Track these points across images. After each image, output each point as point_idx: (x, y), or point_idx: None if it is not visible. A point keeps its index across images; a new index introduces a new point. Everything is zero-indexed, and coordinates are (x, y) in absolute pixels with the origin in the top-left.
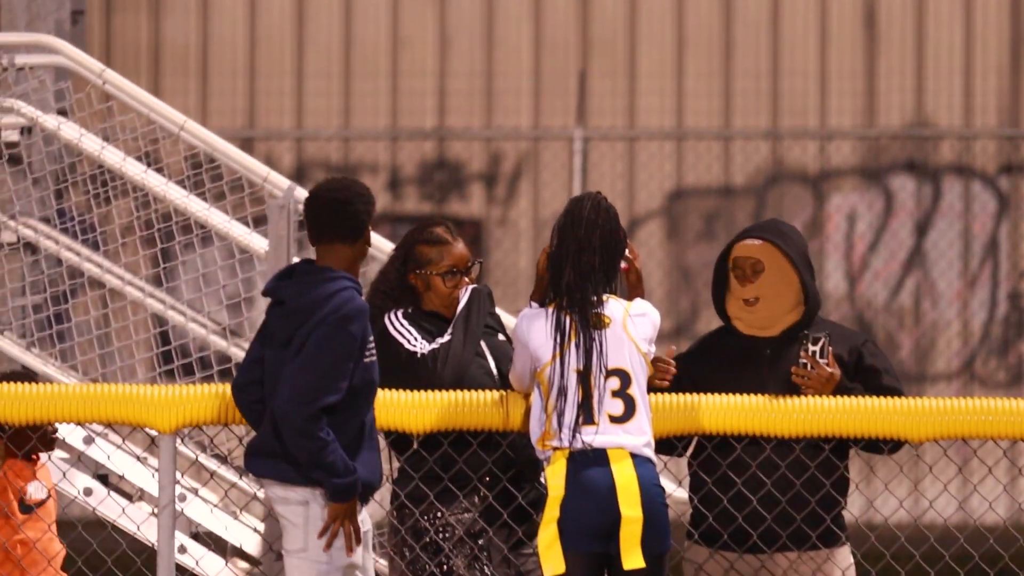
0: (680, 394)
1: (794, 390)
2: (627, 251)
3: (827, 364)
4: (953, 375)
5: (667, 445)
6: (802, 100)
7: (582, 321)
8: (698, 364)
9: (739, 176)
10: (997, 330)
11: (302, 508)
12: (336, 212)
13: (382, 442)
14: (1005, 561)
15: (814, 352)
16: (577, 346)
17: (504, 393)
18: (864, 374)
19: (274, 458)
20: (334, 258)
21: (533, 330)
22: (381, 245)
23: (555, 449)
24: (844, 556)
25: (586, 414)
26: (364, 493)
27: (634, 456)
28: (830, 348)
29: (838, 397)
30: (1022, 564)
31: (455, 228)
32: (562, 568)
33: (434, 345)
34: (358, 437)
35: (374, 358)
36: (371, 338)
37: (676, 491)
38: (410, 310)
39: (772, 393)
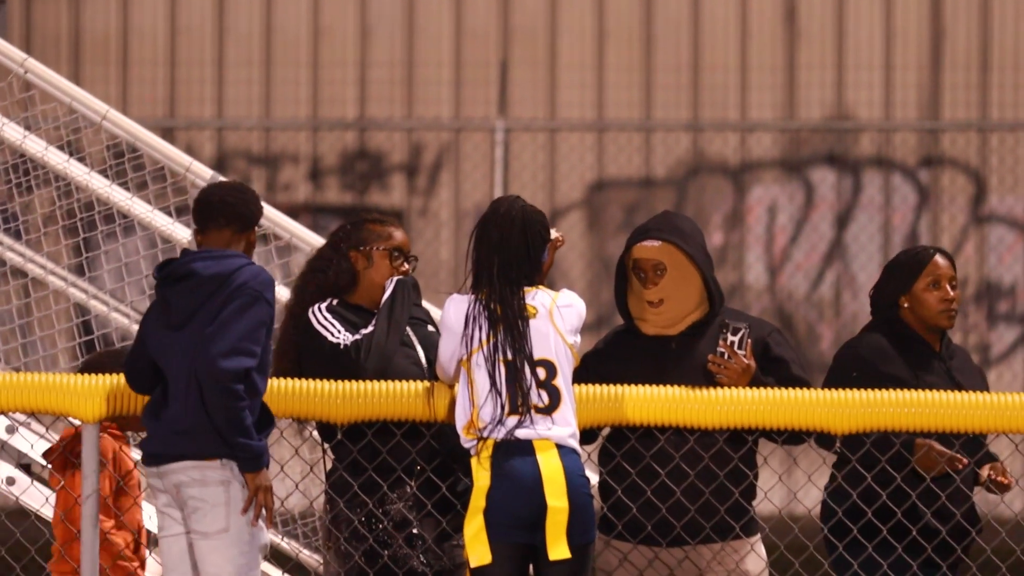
0: (605, 385)
1: (700, 384)
2: (554, 233)
3: (744, 356)
4: None
5: (589, 435)
6: (723, 93)
7: (509, 311)
8: (605, 363)
9: (660, 168)
10: None
11: (222, 488)
12: (231, 204)
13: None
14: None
15: (732, 342)
16: (504, 336)
17: (430, 383)
18: (771, 364)
19: (185, 436)
20: (225, 245)
21: (462, 316)
22: (303, 235)
23: (481, 439)
24: (760, 546)
25: (512, 404)
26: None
27: (560, 447)
28: (749, 340)
29: (761, 388)
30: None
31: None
32: (488, 558)
33: (357, 336)
34: (263, 416)
35: (270, 343)
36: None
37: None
38: (335, 303)
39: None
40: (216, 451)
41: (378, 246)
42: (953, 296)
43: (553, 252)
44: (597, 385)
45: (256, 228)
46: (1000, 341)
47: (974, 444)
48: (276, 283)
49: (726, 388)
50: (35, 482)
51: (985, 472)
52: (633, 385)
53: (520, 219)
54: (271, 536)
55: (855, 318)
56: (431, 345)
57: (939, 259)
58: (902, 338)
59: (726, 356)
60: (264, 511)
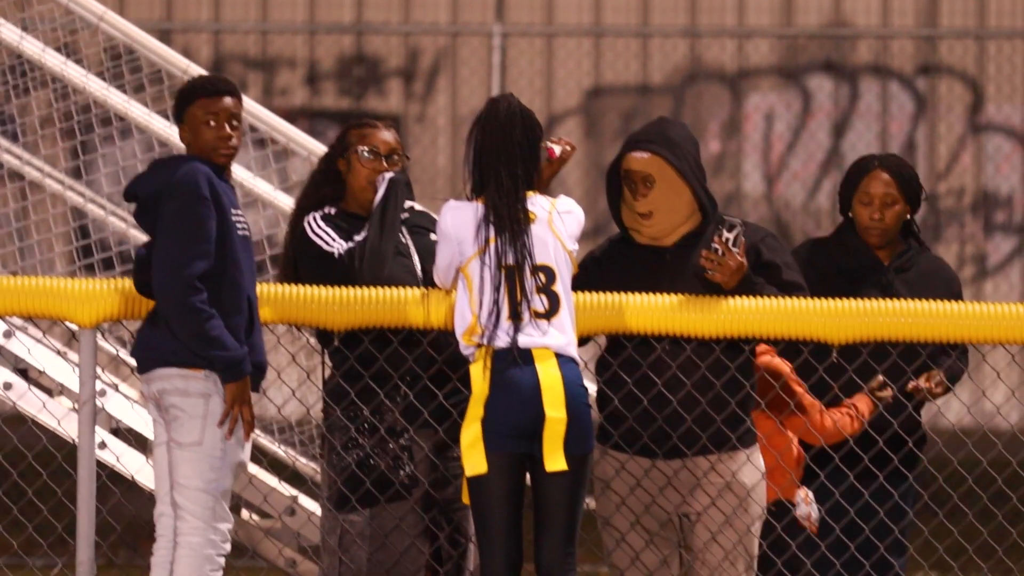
0: (605, 293)
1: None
2: (558, 141)
3: (738, 254)
4: None
5: (582, 339)
6: None
7: (511, 214)
8: (602, 271)
9: (657, 74)
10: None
11: (202, 401)
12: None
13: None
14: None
15: (727, 239)
16: (504, 241)
17: (426, 290)
18: (764, 269)
19: (163, 342)
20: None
21: (459, 223)
22: (300, 140)
23: (479, 346)
24: (757, 458)
25: (512, 310)
26: (256, 377)
27: (559, 356)
28: (743, 239)
29: (759, 297)
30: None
31: (391, 125)
32: (484, 468)
33: (351, 244)
34: (248, 316)
35: (246, 232)
36: (237, 211)
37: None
38: (332, 212)
39: None
40: (200, 361)
41: (355, 149)
42: (880, 216)
43: (562, 163)
44: (596, 293)
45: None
46: (997, 251)
47: (910, 355)
48: (273, 188)
49: (723, 297)
50: (32, 387)
51: (912, 384)
52: (634, 293)
53: (520, 119)
54: (265, 444)
55: None
56: (429, 254)
57: (876, 176)
58: (844, 245)
59: (720, 252)
60: (242, 426)
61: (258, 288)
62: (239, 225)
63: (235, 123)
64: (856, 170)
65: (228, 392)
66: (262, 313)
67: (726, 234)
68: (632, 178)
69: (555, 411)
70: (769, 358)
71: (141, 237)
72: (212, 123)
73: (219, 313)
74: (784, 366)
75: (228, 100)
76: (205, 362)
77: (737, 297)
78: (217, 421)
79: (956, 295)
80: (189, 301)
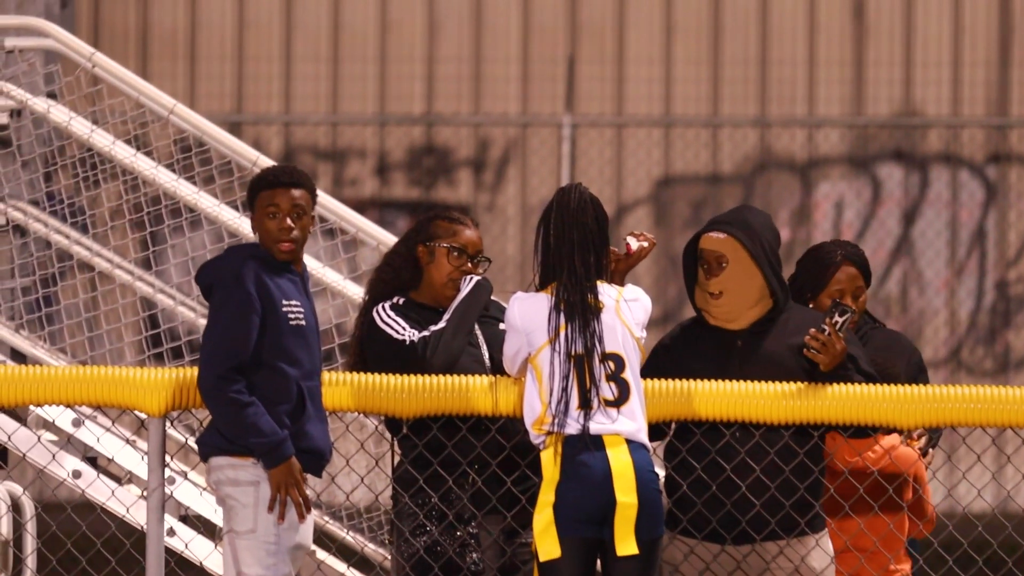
0: (675, 380)
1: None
2: (639, 236)
3: (841, 339)
4: (940, 363)
5: (656, 431)
6: (791, 88)
7: (581, 304)
8: (671, 354)
9: (727, 164)
10: (984, 319)
11: (252, 488)
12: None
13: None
14: (993, 549)
15: (836, 323)
16: (574, 330)
17: (494, 378)
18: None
19: (216, 433)
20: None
21: (529, 314)
22: (369, 230)
23: (550, 434)
24: (826, 541)
25: (582, 399)
26: (314, 463)
27: (629, 442)
28: (850, 326)
29: (827, 385)
30: (1010, 552)
31: (477, 224)
32: (558, 552)
33: (425, 333)
34: (298, 404)
35: (300, 322)
36: (291, 302)
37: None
38: (400, 302)
39: None
40: (248, 450)
41: (442, 243)
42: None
43: (639, 259)
44: (666, 380)
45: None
46: None
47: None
48: (343, 277)
49: (790, 384)
50: (100, 475)
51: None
52: (701, 380)
53: (592, 207)
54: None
55: (922, 315)
56: (497, 344)
57: (844, 271)
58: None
59: (827, 334)
60: (294, 507)
61: (328, 376)
62: (291, 315)
63: (299, 214)
64: (821, 265)
65: (272, 478)
66: (331, 399)
67: (837, 318)
68: (706, 258)
69: (626, 496)
70: (900, 445)
71: None
72: (273, 215)
73: (263, 401)
74: (912, 459)
75: (293, 192)
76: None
77: (807, 384)
78: (267, 507)
79: (916, 366)
80: (223, 392)
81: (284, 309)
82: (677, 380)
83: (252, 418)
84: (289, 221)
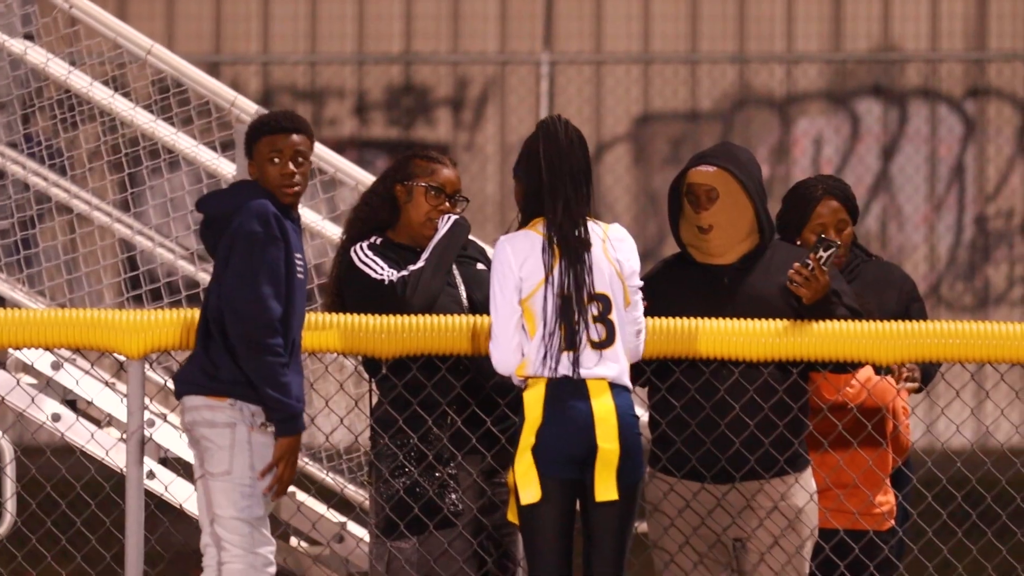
0: (658, 317)
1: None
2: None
3: (827, 273)
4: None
5: (635, 370)
6: (768, 24)
7: (575, 240)
8: (654, 293)
9: (706, 101)
10: (963, 254)
11: (228, 430)
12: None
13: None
14: (972, 485)
15: (821, 258)
16: (566, 267)
17: (473, 317)
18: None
19: (195, 372)
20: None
21: (522, 252)
22: (348, 170)
23: (533, 376)
24: (808, 479)
25: (568, 340)
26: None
27: (612, 385)
28: (836, 262)
29: (809, 322)
30: (989, 488)
31: (455, 163)
32: (539, 495)
33: (403, 272)
34: (292, 359)
35: (303, 275)
36: (299, 255)
37: (644, 417)
38: (378, 242)
39: None
40: (227, 391)
41: (420, 182)
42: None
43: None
44: (649, 318)
45: (265, 151)
46: None
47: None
48: (321, 218)
49: (772, 321)
50: (80, 418)
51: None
52: (702, 318)
53: (578, 140)
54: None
55: (901, 250)
56: (476, 283)
57: (826, 204)
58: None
59: (811, 269)
60: (278, 485)
61: (308, 317)
62: (298, 268)
63: (301, 160)
64: (803, 201)
65: (279, 447)
66: (311, 341)
67: (821, 253)
68: (695, 192)
69: (608, 443)
70: (877, 380)
71: (188, 268)
72: (276, 160)
73: None
74: (890, 393)
75: (294, 137)
76: (235, 391)
77: (791, 321)
78: (244, 452)
79: (909, 295)
80: (269, 343)
81: (296, 262)
82: (661, 318)
83: (286, 377)
84: (292, 166)
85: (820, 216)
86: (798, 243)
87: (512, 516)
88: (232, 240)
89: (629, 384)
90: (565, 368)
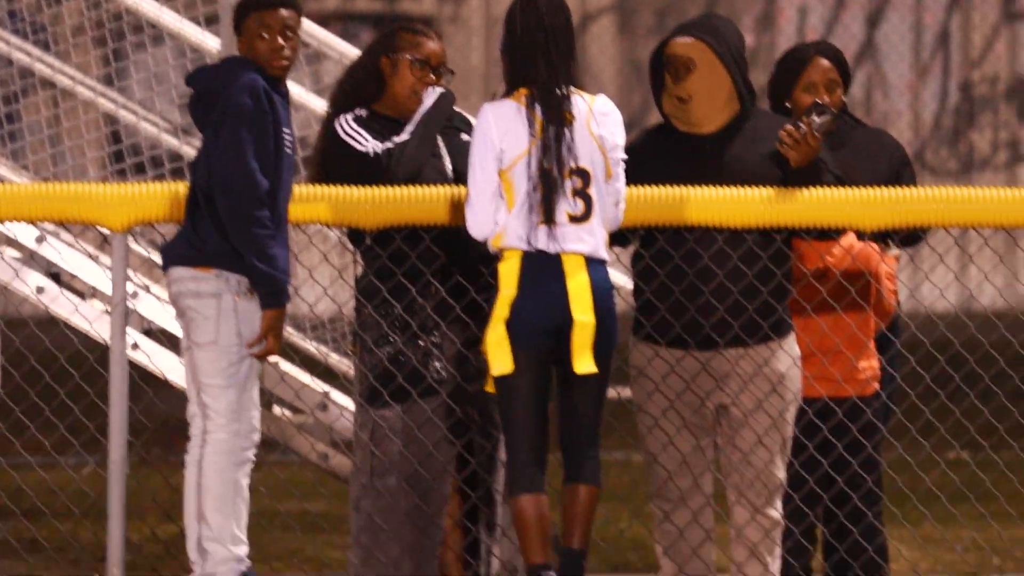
0: (641, 186)
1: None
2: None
3: (819, 139)
4: None
5: (619, 237)
6: None
7: (554, 113)
8: (637, 162)
9: None
10: (948, 120)
11: (214, 300)
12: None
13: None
14: (956, 348)
15: (814, 122)
16: (546, 141)
17: (458, 188)
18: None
19: (186, 244)
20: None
21: (504, 120)
22: (332, 43)
23: (509, 248)
24: (792, 345)
25: (546, 213)
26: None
27: (589, 260)
28: (827, 127)
29: (793, 189)
30: (972, 351)
31: (440, 33)
32: (511, 367)
33: (388, 144)
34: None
35: (290, 150)
36: (286, 129)
37: (627, 283)
38: (363, 114)
39: None
40: (213, 261)
41: (405, 54)
42: (827, 99)
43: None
44: (633, 186)
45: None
46: None
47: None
48: (306, 91)
49: (755, 188)
50: (64, 291)
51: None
52: (686, 186)
53: (562, 6)
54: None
55: (886, 117)
56: (460, 154)
57: (816, 64)
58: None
59: (802, 132)
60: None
61: (293, 189)
62: (287, 143)
63: (290, 35)
64: (794, 61)
65: (265, 319)
66: (296, 212)
67: (815, 118)
68: (674, 63)
69: (583, 315)
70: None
71: (172, 142)
72: (265, 35)
73: None
74: (874, 258)
75: (282, 12)
76: (221, 262)
77: (777, 188)
78: (230, 321)
79: (900, 160)
80: (257, 214)
81: (285, 136)
82: (644, 186)
83: (274, 249)
84: (281, 41)
85: (810, 75)
86: (787, 105)
87: (490, 387)
88: (222, 114)
89: (606, 256)
90: (542, 242)
